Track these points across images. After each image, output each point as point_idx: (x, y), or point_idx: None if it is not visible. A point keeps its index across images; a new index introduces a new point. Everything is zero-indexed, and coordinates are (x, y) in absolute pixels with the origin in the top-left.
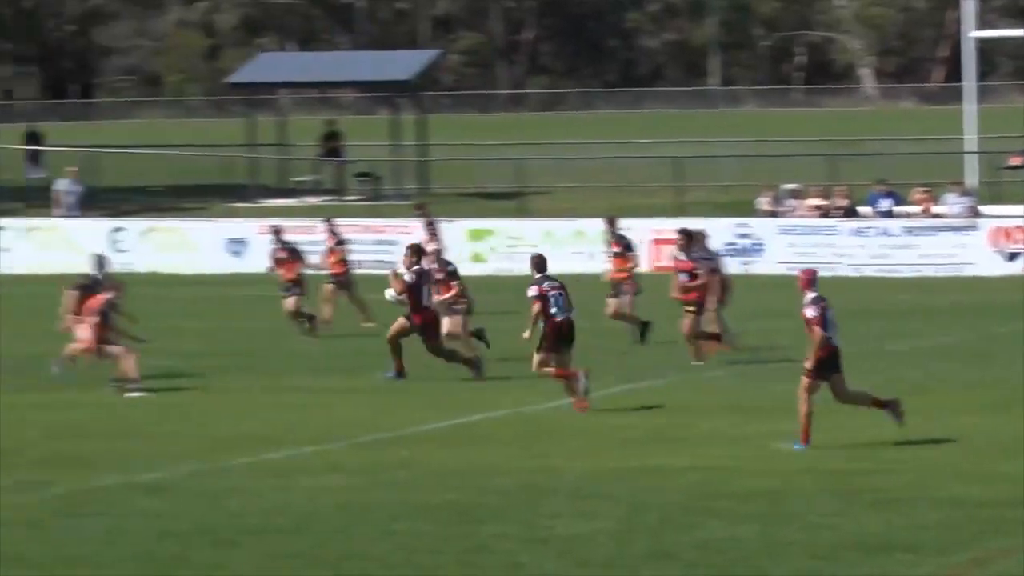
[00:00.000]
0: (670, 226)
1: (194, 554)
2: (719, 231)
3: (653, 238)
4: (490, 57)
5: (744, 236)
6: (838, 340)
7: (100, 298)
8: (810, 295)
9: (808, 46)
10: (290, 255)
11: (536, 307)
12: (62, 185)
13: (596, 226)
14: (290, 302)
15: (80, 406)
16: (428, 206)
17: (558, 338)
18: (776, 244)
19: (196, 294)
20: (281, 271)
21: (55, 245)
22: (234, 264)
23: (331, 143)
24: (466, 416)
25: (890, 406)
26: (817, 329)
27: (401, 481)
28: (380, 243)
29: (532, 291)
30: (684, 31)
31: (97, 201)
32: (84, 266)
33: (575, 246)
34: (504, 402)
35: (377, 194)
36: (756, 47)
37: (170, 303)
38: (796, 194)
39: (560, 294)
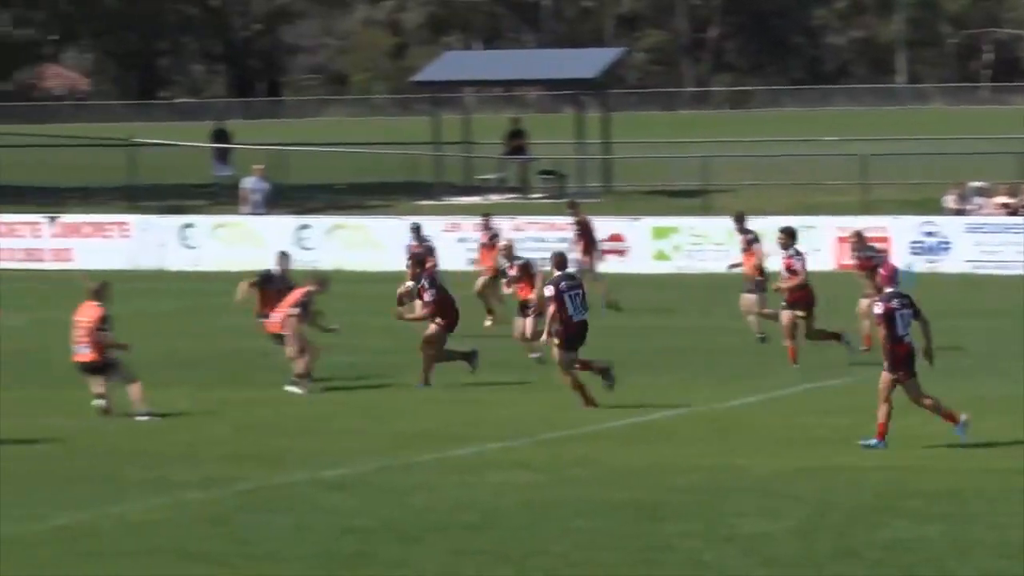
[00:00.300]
0: (855, 224)
1: (378, 550)
2: (905, 229)
3: (837, 236)
4: (675, 55)
5: (930, 234)
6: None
7: (302, 290)
8: (887, 290)
9: (996, 43)
10: (426, 252)
11: (552, 308)
12: (249, 183)
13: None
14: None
15: (268, 403)
16: (579, 205)
17: (572, 338)
18: (962, 243)
19: (380, 291)
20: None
21: (242, 242)
22: None
23: (515, 141)
24: (647, 414)
25: (958, 420)
26: (883, 328)
27: (583, 478)
28: (563, 241)
29: (548, 291)
30: (871, 28)
31: (283, 199)
32: (270, 263)
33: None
34: (685, 399)
35: (561, 192)
36: (943, 44)
37: (355, 300)
38: (983, 192)
39: (577, 294)
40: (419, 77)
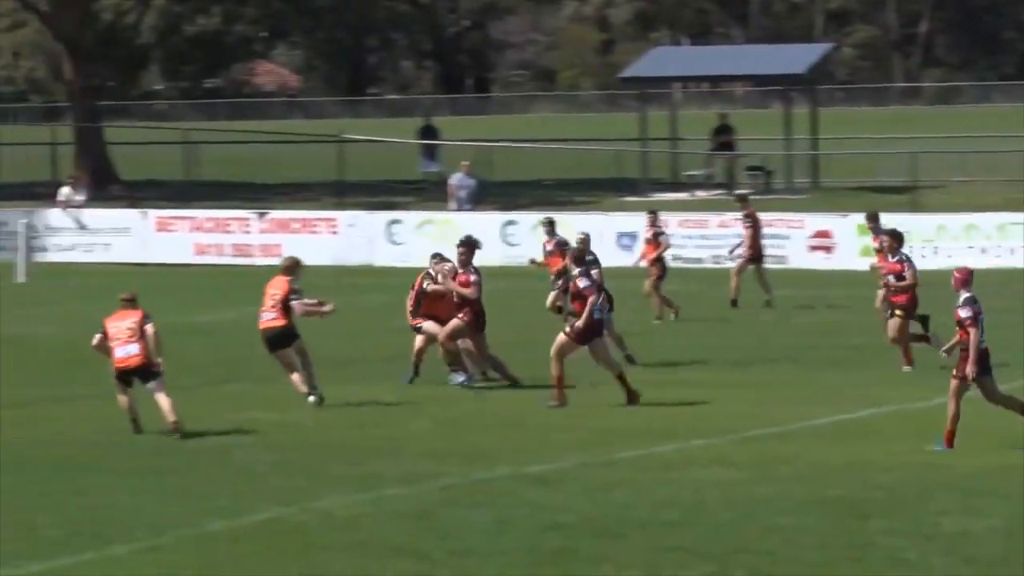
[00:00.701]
0: None
1: (579, 546)
2: None
3: None
4: (884, 50)
5: None
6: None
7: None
8: (964, 295)
9: None
10: (558, 248)
11: (592, 299)
12: (456, 179)
13: (989, 221)
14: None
15: (469, 398)
16: (749, 199)
17: (589, 333)
18: None
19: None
20: (548, 264)
21: (448, 239)
22: (624, 258)
23: (722, 137)
24: (851, 411)
25: None
26: (972, 331)
27: (786, 475)
28: (771, 237)
29: (584, 283)
30: None
31: (490, 195)
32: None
33: (968, 240)
34: (891, 397)
35: (768, 188)
36: None
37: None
38: None
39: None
40: (626, 73)
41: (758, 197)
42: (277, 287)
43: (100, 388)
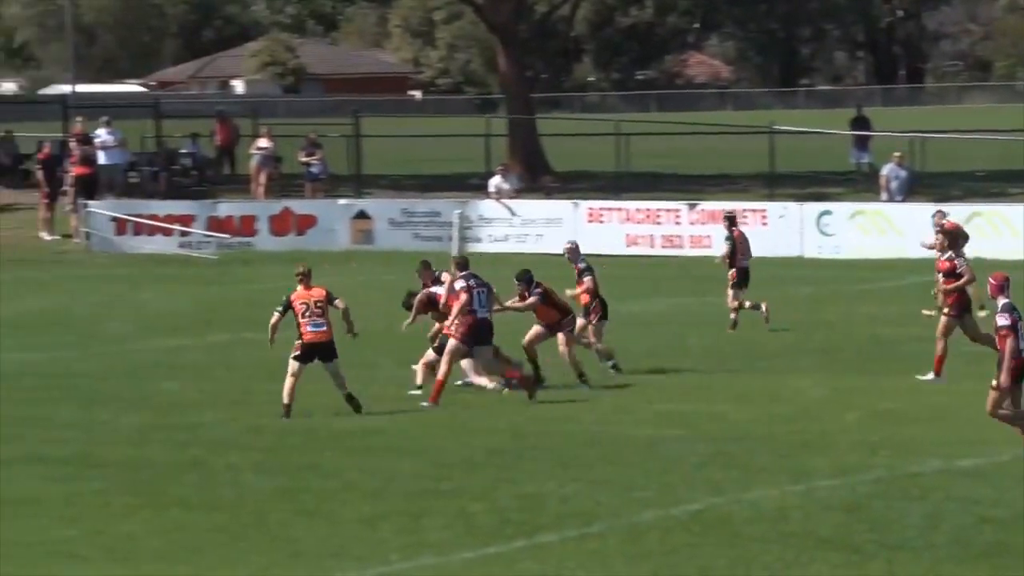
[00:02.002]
0: None
1: (1014, 540)
2: None
3: None
4: None
5: None
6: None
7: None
8: (1002, 301)
9: None
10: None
11: (463, 299)
12: (887, 170)
13: None
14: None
15: (900, 391)
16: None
17: (474, 334)
18: None
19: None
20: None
21: (879, 230)
22: None
23: None
24: None
25: None
26: (1009, 340)
27: None
28: None
29: (460, 284)
30: None
31: (921, 186)
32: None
33: None
34: None
35: None
36: None
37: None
38: None
39: (483, 292)
40: None
41: None
42: (318, 295)
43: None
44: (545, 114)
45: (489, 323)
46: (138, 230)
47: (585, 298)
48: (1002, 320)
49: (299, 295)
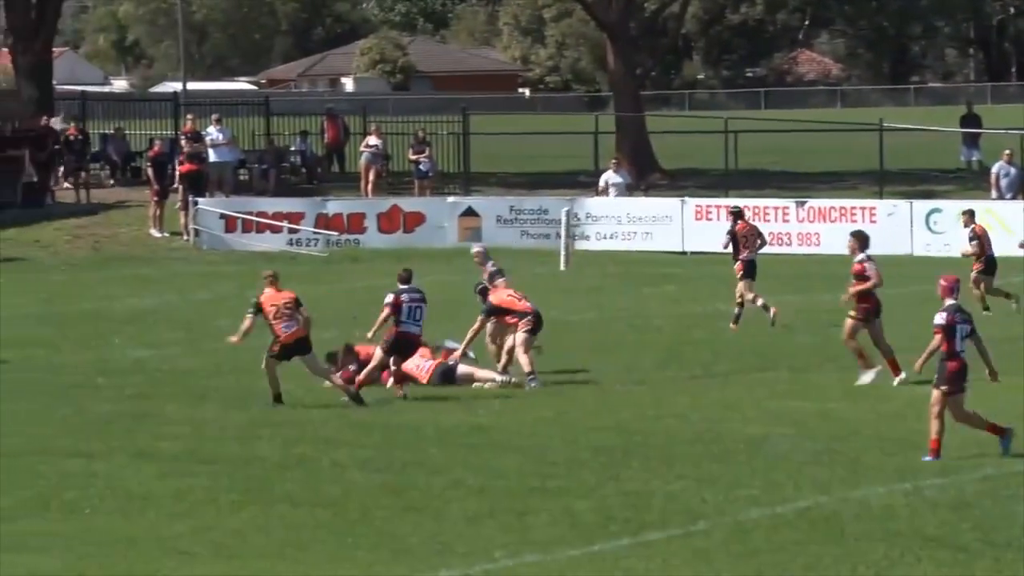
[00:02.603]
0: None
1: None
2: None
3: None
4: None
5: None
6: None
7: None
8: (948, 302)
9: None
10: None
11: (386, 312)
12: (997, 167)
13: None
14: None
15: (1006, 391)
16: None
17: (397, 346)
18: None
19: None
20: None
21: (989, 228)
22: None
23: None
24: None
25: (1004, 433)
26: (937, 337)
27: None
28: None
29: (389, 298)
30: None
31: None
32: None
33: None
34: None
35: None
36: None
37: None
38: None
39: (417, 307)
40: None
41: None
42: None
43: (631, 374)
44: (654, 111)
45: (415, 337)
46: (247, 228)
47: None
48: (939, 319)
49: (269, 298)
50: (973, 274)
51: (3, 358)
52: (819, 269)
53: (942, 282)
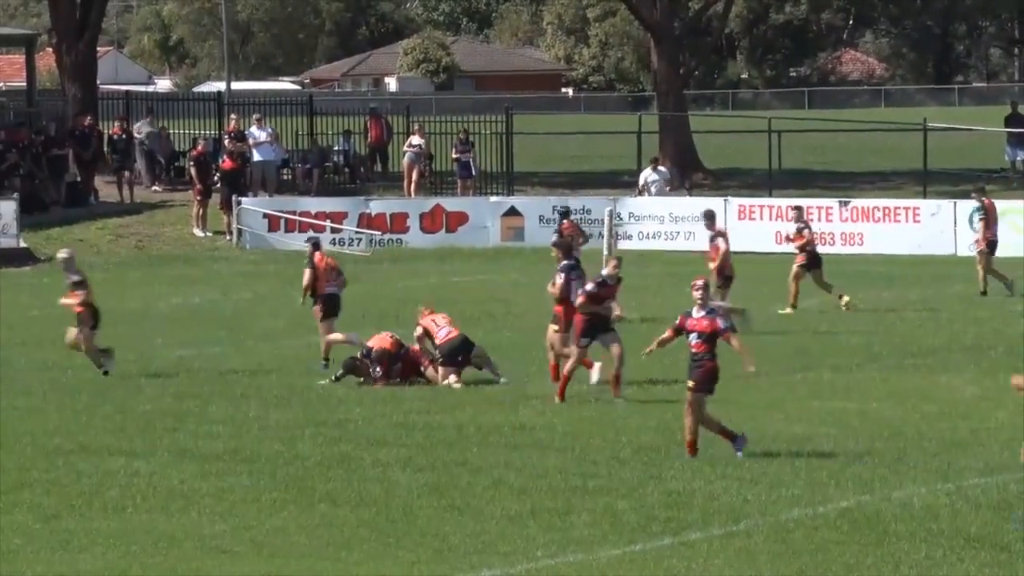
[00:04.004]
0: None
1: None
2: None
3: None
4: None
5: None
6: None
7: None
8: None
9: None
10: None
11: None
12: None
13: None
14: None
15: None
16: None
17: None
18: None
19: None
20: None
21: None
22: None
23: None
24: None
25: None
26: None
27: None
28: None
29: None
30: None
31: None
32: None
33: None
34: None
35: None
36: None
37: None
38: None
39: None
40: None
41: None
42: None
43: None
44: (697, 111)
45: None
46: (290, 227)
47: None
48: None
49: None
50: (976, 253)
51: (47, 357)
52: (863, 268)
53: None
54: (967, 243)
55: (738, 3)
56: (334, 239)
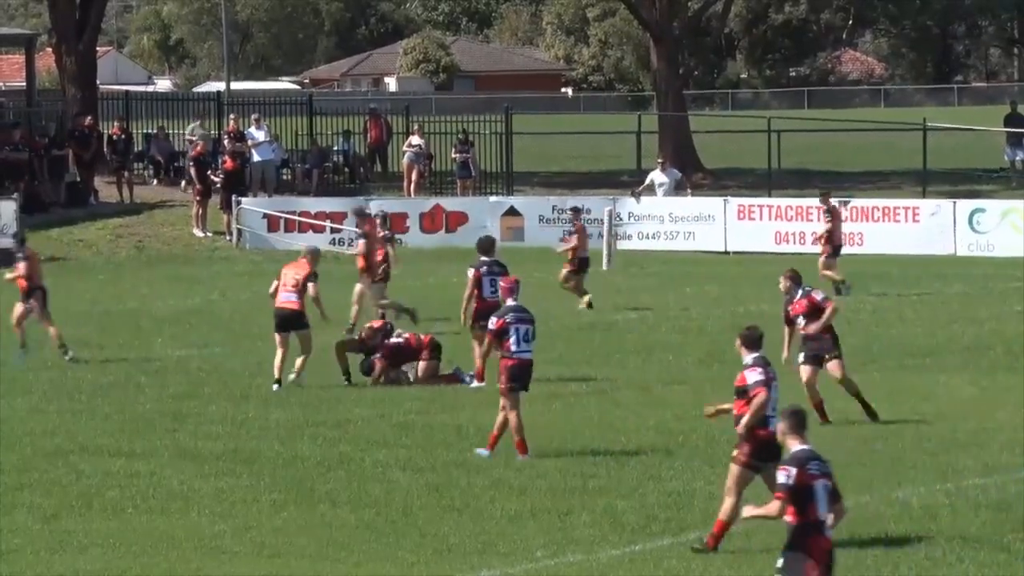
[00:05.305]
0: None
1: None
2: None
3: None
4: None
5: None
6: None
7: None
8: (509, 302)
9: None
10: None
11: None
12: None
13: None
14: None
15: None
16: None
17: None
18: None
19: None
20: None
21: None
22: None
23: None
24: None
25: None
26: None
27: None
28: None
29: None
30: None
31: None
32: None
33: None
34: None
35: None
36: None
37: None
38: None
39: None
40: None
41: None
42: (300, 269)
43: (672, 374)
44: (697, 111)
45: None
46: (290, 227)
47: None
48: (491, 325)
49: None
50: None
51: (47, 357)
52: (862, 269)
53: (502, 284)
54: (967, 243)
55: (737, 3)
56: (334, 239)
